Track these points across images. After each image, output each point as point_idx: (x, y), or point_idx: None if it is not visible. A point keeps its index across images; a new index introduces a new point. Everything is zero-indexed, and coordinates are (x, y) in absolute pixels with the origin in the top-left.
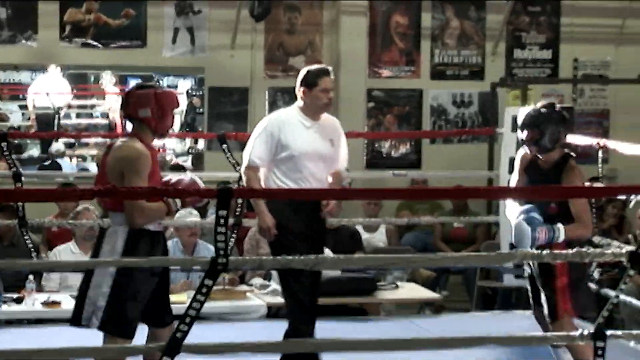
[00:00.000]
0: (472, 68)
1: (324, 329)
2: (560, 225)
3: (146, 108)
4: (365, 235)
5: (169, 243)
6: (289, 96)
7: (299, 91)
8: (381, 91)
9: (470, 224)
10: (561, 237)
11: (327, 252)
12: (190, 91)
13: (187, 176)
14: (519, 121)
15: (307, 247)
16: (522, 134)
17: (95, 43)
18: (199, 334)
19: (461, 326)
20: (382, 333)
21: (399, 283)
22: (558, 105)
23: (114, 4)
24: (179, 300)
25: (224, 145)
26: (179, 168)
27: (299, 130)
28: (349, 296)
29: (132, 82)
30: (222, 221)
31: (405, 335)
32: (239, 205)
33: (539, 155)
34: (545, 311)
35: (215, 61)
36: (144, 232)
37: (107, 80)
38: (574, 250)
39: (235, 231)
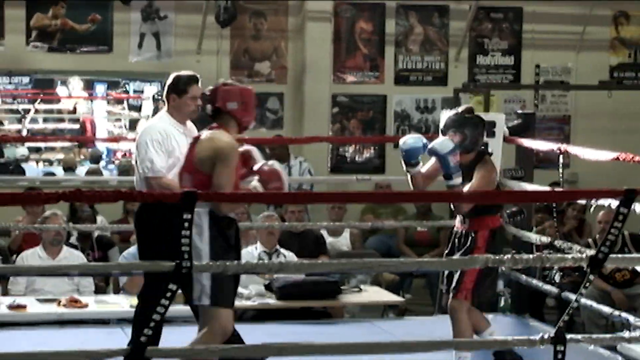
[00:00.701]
0: (435, 74)
1: (288, 331)
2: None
3: (234, 101)
4: (329, 239)
5: (131, 249)
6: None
7: (169, 97)
8: (346, 96)
9: (433, 227)
10: (455, 181)
11: (292, 255)
12: (156, 96)
13: (268, 163)
14: (441, 124)
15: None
16: (446, 136)
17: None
18: (163, 337)
19: (424, 329)
20: (345, 336)
21: (362, 286)
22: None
23: (80, 10)
24: None
25: None
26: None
27: (177, 135)
28: (312, 299)
29: (99, 87)
30: (186, 225)
31: (368, 339)
32: None
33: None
34: (452, 285)
35: (181, 66)
36: (225, 218)
37: (75, 85)
38: (535, 255)
39: None
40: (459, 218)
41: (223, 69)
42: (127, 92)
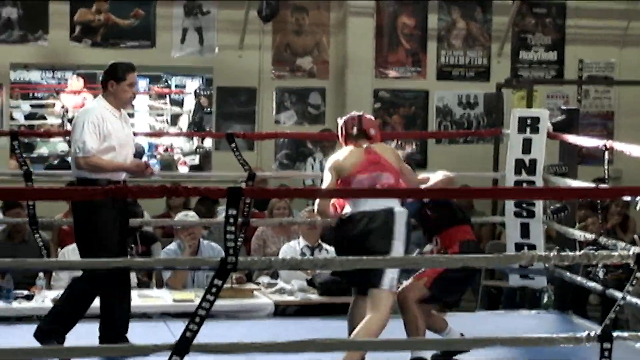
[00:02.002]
0: (477, 69)
1: (331, 327)
2: None
3: (375, 128)
4: None
5: (172, 245)
6: (296, 96)
7: (107, 84)
8: (387, 92)
9: (475, 223)
10: None
11: (332, 252)
12: (198, 91)
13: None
14: None
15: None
16: None
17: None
18: (207, 332)
19: (467, 325)
20: (387, 332)
21: (404, 282)
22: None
23: (123, 5)
24: (186, 298)
25: (233, 145)
26: None
27: (113, 120)
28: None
29: (141, 82)
30: (231, 220)
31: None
32: (247, 205)
33: None
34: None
35: (224, 61)
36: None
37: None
38: (582, 252)
39: (243, 231)
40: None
41: (265, 64)
42: (169, 86)
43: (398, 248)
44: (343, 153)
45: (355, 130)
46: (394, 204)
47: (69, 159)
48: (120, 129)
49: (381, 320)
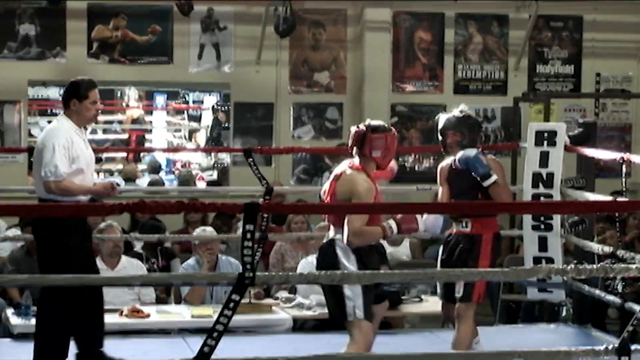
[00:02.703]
0: (494, 83)
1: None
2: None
3: (379, 150)
4: (389, 249)
5: (190, 261)
6: (314, 111)
7: (69, 102)
8: (405, 106)
9: None
10: (493, 177)
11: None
12: (215, 106)
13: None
14: (440, 125)
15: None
16: (445, 137)
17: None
18: (225, 347)
19: (485, 339)
20: (406, 346)
21: (423, 296)
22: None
23: (140, 21)
24: (205, 314)
25: (250, 160)
26: None
27: (78, 141)
28: None
29: (159, 98)
30: (248, 235)
31: (429, 349)
32: (265, 220)
33: (455, 159)
34: (459, 293)
35: (241, 77)
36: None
37: (131, 96)
38: (599, 265)
39: (261, 246)
40: (456, 223)
41: (282, 79)
42: (186, 102)
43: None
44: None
45: (355, 151)
46: (339, 233)
47: None
48: (85, 150)
49: (358, 351)
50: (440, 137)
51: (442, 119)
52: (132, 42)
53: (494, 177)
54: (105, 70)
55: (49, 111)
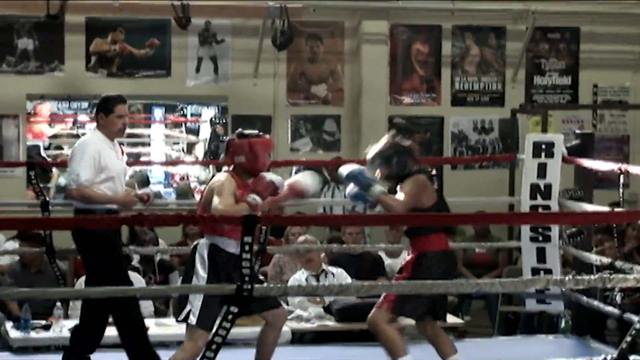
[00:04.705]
0: (492, 95)
1: (348, 354)
2: (379, 186)
3: (241, 156)
4: (387, 261)
5: None
6: (311, 124)
7: (97, 117)
8: (402, 118)
9: (492, 249)
10: (377, 189)
11: (340, 272)
12: (213, 119)
13: (270, 176)
14: (369, 159)
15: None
16: (377, 173)
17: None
18: (224, 359)
19: (485, 351)
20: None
21: None
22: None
23: (138, 35)
24: None
25: None
26: None
27: (109, 151)
28: None
29: (157, 111)
30: (247, 248)
31: None
32: (263, 232)
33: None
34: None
35: (239, 90)
36: (223, 253)
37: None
38: (597, 276)
39: (259, 258)
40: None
41: (280, 92)
42: (184, 115)
43: (199, 281)
44: None
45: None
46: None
47: None
48: (115, 160)
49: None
50: (369, 166)
51: (370, 152)
52: (130, 56)
53: (376, 190)
54: (103, 83)
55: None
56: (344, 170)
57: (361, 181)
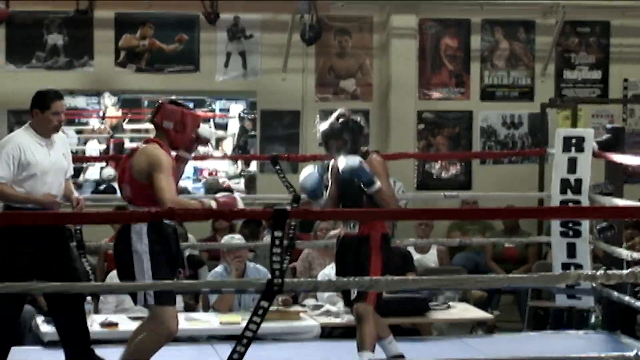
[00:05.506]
0: (521, 89)
1: (378, 349)
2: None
3: (170, 121)
4: (416, 256)
5: (218, 268)
6: None
7: (32, 112)
8: (431, 113)
9: (521, 244)
10: (377, 184)
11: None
12: (242, 114)
13: (228, 195)
14: (319, 135)
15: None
16: (328, 145)
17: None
18: (253, 354)
19: (514, 346)
20: (434, 353)
21: (450, 303)
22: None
23: (167, 30)
24: (233, 321)
25: (277, 167)
26: (227, 190)
27: (36, 149)
28: (401, 316)
29: None
30: (277, 242)
31: (457, 356)
32: (292, 227)
33: (339, 168)
34: (354, 295)
35: (267, 85)
36: (163, 225)
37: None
38: (628, 271)
39: (289, 253)
40: (343, 224)
41: (308, 87)
42: (213, 110)
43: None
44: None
45: (149, 121)
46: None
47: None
48: (45, 157)
49: (152, 343)
50: (324, 146)
51: (321, 127)
52: (159, 51)
53: (377, 185)
54: (133, 79)
55: (76, 120)
56: (345, 162)
57: (363, 176)
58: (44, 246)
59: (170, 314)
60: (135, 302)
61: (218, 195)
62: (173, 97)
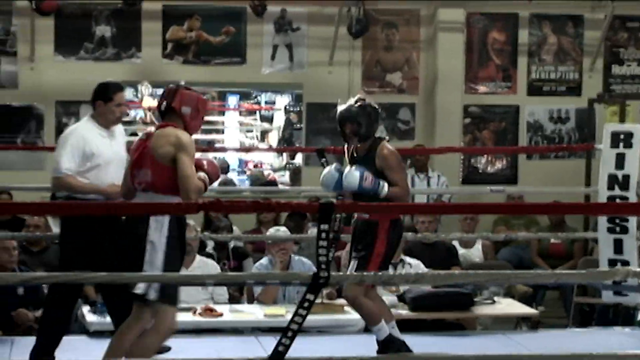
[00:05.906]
0: (569, 84)
1: (421, 343)
2: (384, 182)
3: (188, 107)
4: (461, 251)
5: (263, 261)
6: (386, 112)
7: (95, 103)
8: (478, 107)
9: (567, 239)
10: (384, 191)
11: (417, 264)
12: (288, 107)
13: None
14: (337, 116)
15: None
16: (344, 128)
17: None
18: (297, 347)
19: (559, 342)
20: (479, 348)
21: (495, 298)
22: (368, 100)
23: (214, 22)
24: (278, 313)
25: (323, 160)
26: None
27: (99, 140)
28: (446, 311)
29: (231, 99)
30: (323, 235)
31: (502, 351)
32: (338, 220)
33: (358, 145)
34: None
35: (314, 77)
36: (185, 220)
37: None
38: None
39: (334, 246)
40: None
41: (355, 80)
42: (259, 103)
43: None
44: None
45: (164, 105)
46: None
47: None
48: (108, 147)
49: (154, 341)
50: (339, 128)
51: (339, 109)
52: (206, 43)
53: (384, 191)
54: (180, 70)
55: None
56: (351, 182)
57: (366, 189)
58: (102, 236)
59: (172, 313)
60: (127, 293)
61: (204, 162)
62: (183, 83)
